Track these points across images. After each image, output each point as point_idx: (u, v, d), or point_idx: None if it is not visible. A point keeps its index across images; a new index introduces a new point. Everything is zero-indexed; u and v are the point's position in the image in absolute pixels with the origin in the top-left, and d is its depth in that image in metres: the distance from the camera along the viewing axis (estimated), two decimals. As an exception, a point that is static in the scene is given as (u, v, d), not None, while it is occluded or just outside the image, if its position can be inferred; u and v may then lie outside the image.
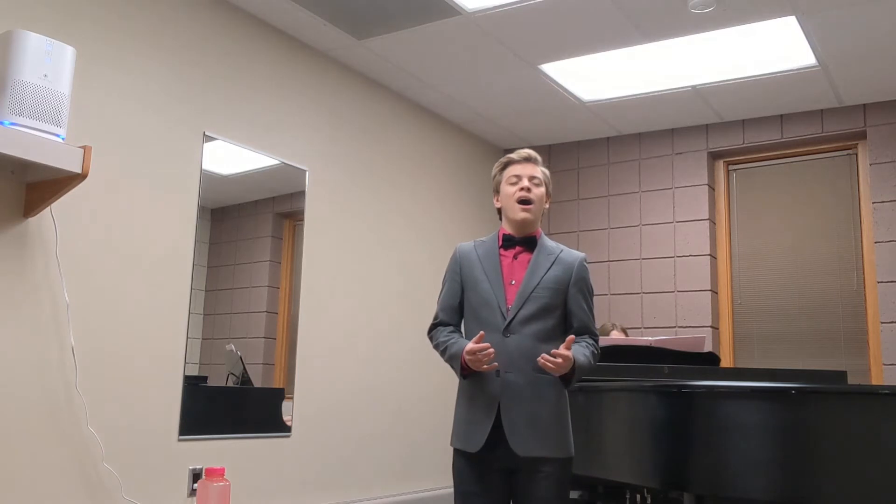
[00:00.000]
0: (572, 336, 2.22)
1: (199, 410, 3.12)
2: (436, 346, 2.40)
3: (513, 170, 2.42)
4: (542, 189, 2.42)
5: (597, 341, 2.36)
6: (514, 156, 2.44)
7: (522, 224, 2.38)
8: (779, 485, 2.33)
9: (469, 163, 5.01)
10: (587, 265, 2.40)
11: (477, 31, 3.65)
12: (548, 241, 2.42)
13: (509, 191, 2.40)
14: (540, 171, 2.43)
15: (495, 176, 2.48)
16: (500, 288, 2.33)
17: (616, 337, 4.00)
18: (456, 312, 2.42)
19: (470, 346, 2.20)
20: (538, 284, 2.30)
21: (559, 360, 2.15)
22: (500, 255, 2.39)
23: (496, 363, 2.20)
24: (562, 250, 2.39)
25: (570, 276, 2.33)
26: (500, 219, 2.47)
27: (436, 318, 2.44)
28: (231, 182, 3.42)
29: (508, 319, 2.28)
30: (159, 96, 3.09)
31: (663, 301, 4.75)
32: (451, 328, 2.40)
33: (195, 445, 3.10)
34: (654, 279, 4.80)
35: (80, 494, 2.67)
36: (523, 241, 2.39)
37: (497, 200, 2.46)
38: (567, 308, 2.34)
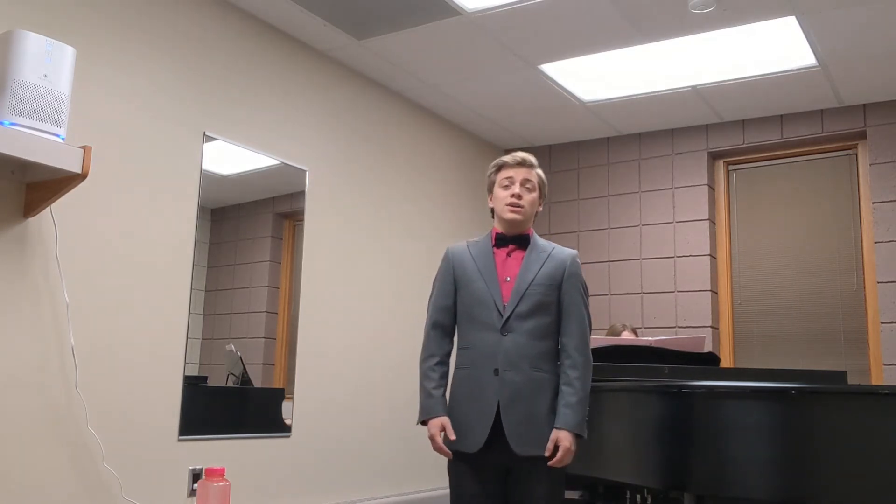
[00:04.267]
0: (553, 434, 2.24)
1: (199, 410, 3.12)
2: (420, 373, 2.40)
3: (507, 172, 2.44)
4: (535, 194, 2.44)
5: (585, 344, 2.34)
6: (507, 159, 2.46)
7: (512, 224, 2.42)
8: (779, 485, 2.33)
9: (469, 163, 5.01)
10: (579, 262, 2.43)
11: (477, 31, 3.65)
12: (540, 240, 2.45)
13: (501, 194, 2.43)
14: (535, 175, 2.46)
15: (490, 176, 2.51)
16: (495, 286, 2.35)
17: (626, 337, 4.01)
18: (450, 312, 2.43)
19: (438, 441, 2.31)
20: (533, 281, 2.33)
21: (559, 454, 2.21)
22: (494, 253, 2.41)
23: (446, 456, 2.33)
24: (553, 248, 2.43)
25: (562, 273, 2.36)
26: (493, 217, 2.50)
27: (430, 319, 2.44)
28: (231, 182, 3.42)
29: (505, 317, 2.30)
30: (159, 96, 3.09)
31: (663, 301, 4.74)
32: (443, 369, 2.39)
33: (195, 445, 3.10)
34: (654, 279, 4.80)
35: (80, 494, 2.67)
36: (516, 239, 2.42)
37: (490, 200, 2.49)
38: (560, 305, 2.36)
